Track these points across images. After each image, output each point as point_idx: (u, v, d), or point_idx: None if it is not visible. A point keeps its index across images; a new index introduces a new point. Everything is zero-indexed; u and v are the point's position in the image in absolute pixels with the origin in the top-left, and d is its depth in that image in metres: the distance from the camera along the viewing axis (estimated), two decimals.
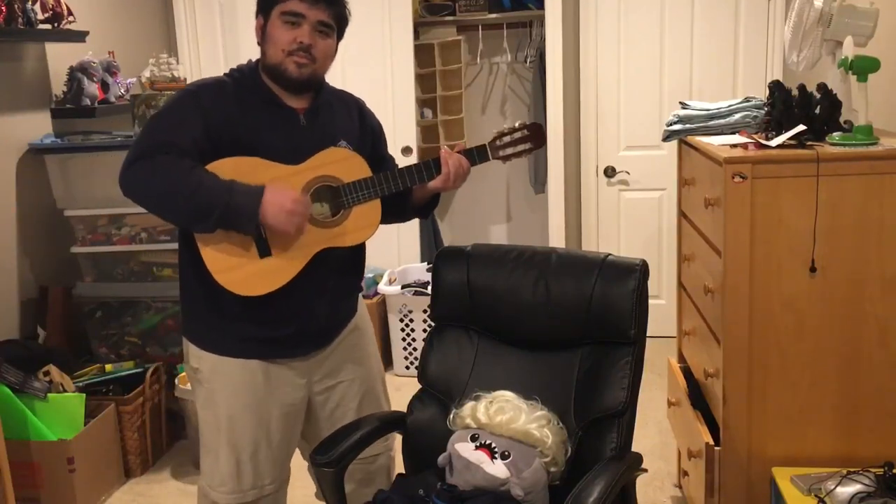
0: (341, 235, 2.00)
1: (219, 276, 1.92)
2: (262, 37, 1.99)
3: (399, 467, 2.17)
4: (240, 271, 1.93)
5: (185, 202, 1.84)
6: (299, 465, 2.21)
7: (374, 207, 2.02)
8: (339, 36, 2.05)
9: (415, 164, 2.04)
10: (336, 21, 2.00)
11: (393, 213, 2.12)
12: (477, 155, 2.07)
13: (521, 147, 2.10)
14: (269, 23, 1.96)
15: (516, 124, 2.11)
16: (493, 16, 4.88)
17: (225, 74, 2.05)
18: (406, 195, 2.10)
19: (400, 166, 2.09)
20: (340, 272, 2.10)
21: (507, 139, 2.09)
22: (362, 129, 2.15)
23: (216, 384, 2.05)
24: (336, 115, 2.10)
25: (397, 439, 2.20)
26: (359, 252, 2.15)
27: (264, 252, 1.93)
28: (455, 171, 2.03)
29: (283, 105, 2.00)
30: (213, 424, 2.07)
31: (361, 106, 2.21)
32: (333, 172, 1.99)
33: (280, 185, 1.89)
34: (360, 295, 2.26)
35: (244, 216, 1.85)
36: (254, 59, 2.05)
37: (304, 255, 1.96)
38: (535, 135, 2.10)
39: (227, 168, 1.89)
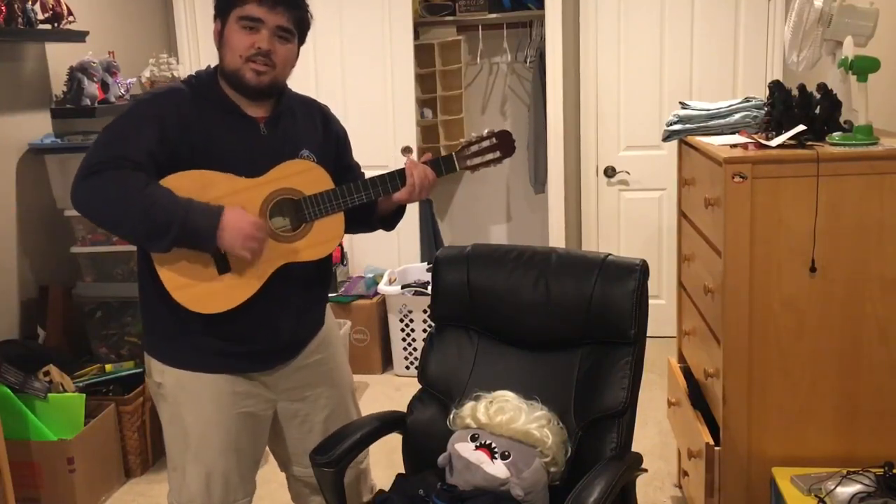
0: (303, 250, 1.93)
1: (176, 293, 1.86)
2: (220, 41, 1.91)
3: (399, 467, 2.17)
4: (198, 288, 1.86)
5: (138, 221, 1.77)
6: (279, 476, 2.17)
7: (336, 220, 1.95)
8: (301, 41, 1.97)
9: (379, 176, 1.98)
10: (297, 26, 1.92)
11: (358, 224, 2.08)
12: (444, 165, 2.01)
13: (489, 156, 2.03)
14: (226, 27, 1.89)
15: (484, 132, 2.04)
16: (493, 16, 4.88)
17: (182, 81, 1.98)
18: (371, 207, 2.04)
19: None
20: (305, 285, 2.03)
21: (474, 148, 2.02)
22: (326, 137, 2.08)
23: (181, 399, 1.99)
24: (298, 124, 2.02)
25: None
26: (324, 264, 2.07)
27: (223, 268, 1.87)
28: (420, 182, 1.96)
29: (242, 114, 1.93)
30: (180, 440, 2.02)
31: (326, 112, 2.13)
32: (294, 185, 1.91)
33: (240, 208, 1.82)
34: (327, 305, 2.20)
35: (201, 238, 1.79)
36: (212, 65, 1.98)
37: (265, 271, 1.90)
38: (504, 143, 2.03)
39: (185, 181, 1.82)
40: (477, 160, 2.04)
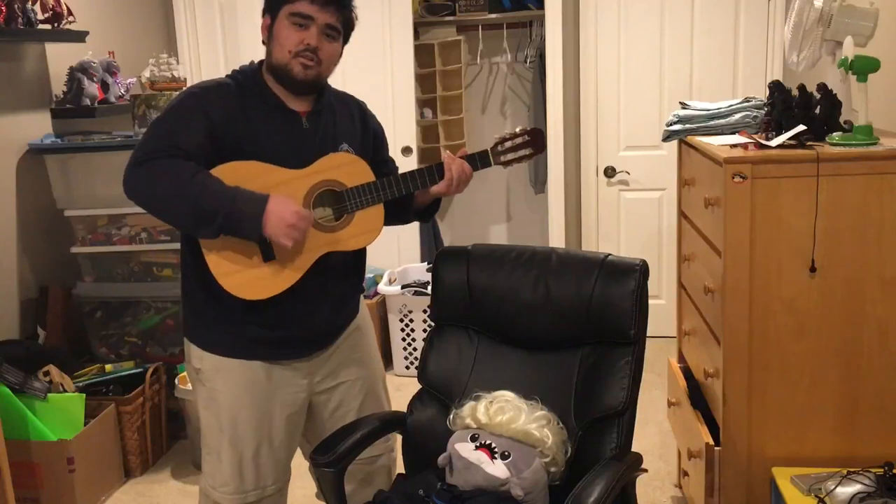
0: (344, 240, 2.00)
1: (222, 279, 1.92)
2: (269, 36, 1.98)
3: (399, 467, 2.17)
4: (243, 275, 1.93)
5: (188, 207, 1.83)
6: (300, 464, 2.21)
7: (376, 212, 2.02)
8: (345, 40, 2.04)
9: (418, 169, 2.04)
10: (343, 25, 1.99)
11: (395, 217, 2.12)
12: (479, 160, 2.08)
13: (521, 152, 2.11)
14: (276, 22, 1.94)
15: (517, 129, 2.11)
16: (493, 16, 4.88)
17: (227, 76, 2.04)
18: (408, 199, 2.10)
19: (401, 169, 2.09)
20: (343, 275, 2.10)
21: (508, 144, 2.10)
22: (364, 132, 2.15)
23: (218, 385, 2.04)
24: (338, 118, 2.09)
25: (398, 439, 2.20)
26: (360, 255, 2.15)
27: (268, 256, 1.93)
28: (458, 176, 2.04)
29: (285, 108, 1.99)
30: (215, 425, 2.07)
31: (363, 108, 2.20)
32: (337, 177, 1.98)
33: (285, 196, 1.88)
34: (362, 296, 2.27)
35: (246, 224, 1.84)
36: (255, 61, 2.05)
37: (308, 260, 1.96)
38: (536, 140, 2.11)
39: (231, 172, 1.88)
40: (510, 156, 2.11)
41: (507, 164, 2.11)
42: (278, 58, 1.95)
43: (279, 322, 2.00)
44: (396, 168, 2.21)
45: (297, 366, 2.07)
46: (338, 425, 2.12)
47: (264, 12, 1.99)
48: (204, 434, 2.12)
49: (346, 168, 2.00)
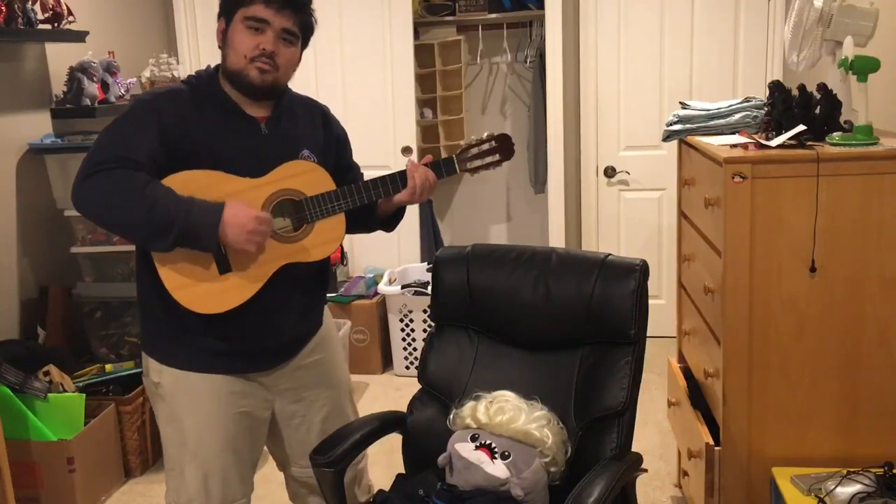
0: (304, 250, 1.94)
1: (176, 293, 1.86)
2: (224, 41, 1.91)
3: (399, 467, 2.17)
4: (198, 288, 1.86)
5: (140, 220, 1.77)
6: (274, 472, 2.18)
7: (337, 221, 1.96)
8: (304, 44, 1.98)
9: (380, 177, 1.98)
10: (301, 29, 1.93)
11: (357, 225, 2.08)
12: (444, 168, 2.02)
13: (489, 159, 2.05)
14: (231, 27, 1.88)
15: (484, 135, 2.06)
16: (493, 16, 4.88)
17: (182, 81, 1.98)
18: (371, 208, 2.05)
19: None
20: (305, 286, 2.04)
21: (474, 151, 2.04)
22: (326, 138, 2.09)
23: (179, 399, 1.99)
24: (299, 124, 2.03)
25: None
26: (323, 265, 2.08)
27: (224, 268, 1.87)
28: (421, 184, 1.98)
29: (243, 113, 1.93)
30: (178, 440, 2.01)
31: (326, 113, 2.13)
32: (296, 186, 1.92)
33: (241, 202, 1.82)
34: (326, 305, 2.21)
35: (203, 235, 1.78)
36: (212, 65, 1.98)
37: (266, 272, 1.90)
38: (503, 146, 2.05)
39: (186, 182, 1.82)
40: (477, 163, 2.05)
41: (473, 171, 2.05)
42: (234, 63, 1.89)
43: (239, 335, 1.95)
44: (361, 174, 2.15)
45: (259, 379, 2.03)
46: (301, 439, 2.10)
47: (219, 16, 1.92)
48: (166, 450, 2.06)
49: (305, 176, 1.93)
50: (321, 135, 2.08)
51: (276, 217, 1.92)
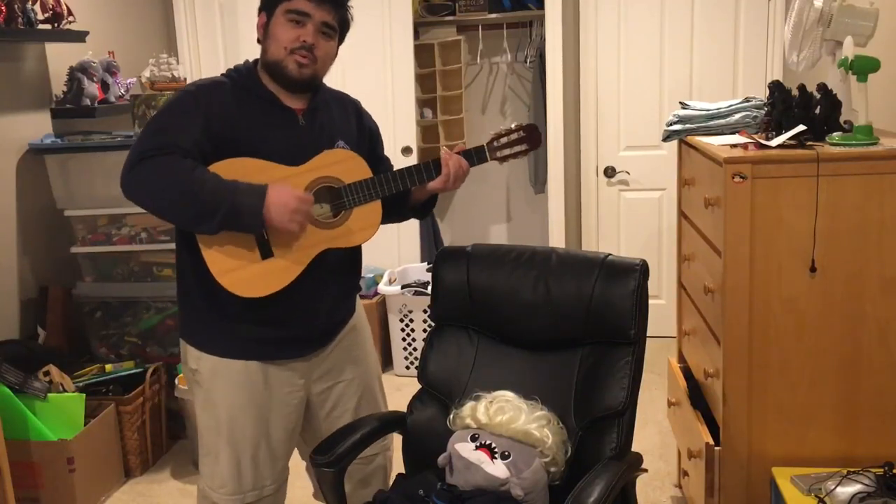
0: (343, 236, 2.00)
1: (221, 277, 1.92)
2: (265, 34, 1.98)
3: (399, 467, 2.17)
4: (242, 272, 1.92)
5: (188, 203, 1.83)
6: (298, 464, 2.21)
7: (374, 208, 2.02)
8: (341, 40, 2.05)
9: (415, 165, 2.05)
10: (339, 24, 2.00)
11: (391, 213, 2.12)
12: (476, 156, 2.09)
13: (517, 148, 2.12)
14: (272, 20, 1.96)
15: (512, 125, 2.12)
16: (493, 16, 4.88)
17: (222, 75, 2.04)
18: (405, 196, 2.11)
19: (396, 167, 2.09)
20: (340, 273, 2.10)
21: (504, 140, 2.11)
22: (360, 130, 2.15)
23: (215, 385, 2.04)
24: (334, 116, 2.10)
25: (396, 439, 2.20)
26: (356, 253, 2.15)
27: (266, 253, 1.93)
28: (455, 172, 2.04)
29: (281, 105, 2.00)
30: (213, 426, 2.07)
31: (358, 107, 2.21)
32: (334, 173, 1.99)
33: (283, 185, 1.88)
34: (358, 295, 2.27)
35: (248, 215, 1.84)
36: (251, 60, 2.05)
37: (306, 256, 1.96)
38: (531, 136, 2.12)
39: (228, 169, 1.88)
40: (506, 151, 2.12)
41: (503, 159, 2.12)
42: (274, 54, 1.95)
43: (277, 321, 2.00)
44: (392, 166, 2.21)
45: (294, 366, 2.07)
46: (334, 425, 2.12)
47: (260, 10, 2.00)
48: (201, 435, 2.11)
49: (343, 164, 2.00)
50: (355, 127, 2.14)
51: (315, 204, 1.97)
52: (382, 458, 2.25)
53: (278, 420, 2.07)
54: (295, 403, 2.09)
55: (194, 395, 2.12)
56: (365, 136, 2.16)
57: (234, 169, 1.89)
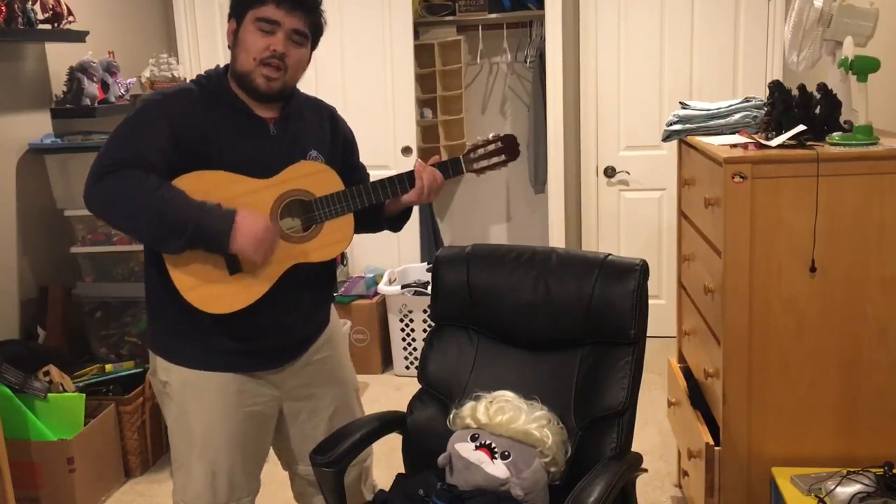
0: (314, 251, 1.95)
1: (187, 293, 1.86)
2: (234, 41, 1.91)
3: (399, 467, 2.17)
4: (209, 288, 1.87)
5: (152, 224, 1.78)
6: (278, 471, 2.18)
7: (346, 221, 1.97)
8: (314, 45, 1.98)
9: (388, 178, 1.99)
10: (311, 30, 1.93)
11: (365, 225, 2.09)
12: (451, 168, 2.04)
13: (495, 159, 2.06)
14: (241, 27, 1.89)
15: (489, 136, 2.07)
16: (493, 16, 4.88)
17: (191, 81, 1.98)
18: (379, 208, 2.06)
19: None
20: (313, 285, 2.05)
21: (480, 152, 2.06)
22: (334, 138, 2.09)
23: (187, 397, 2.00)
24: (307, 125, 2.03)
25: (375, 451, 2.18)
26: (330, 264, 2.09)
27: (234, 269, 1.88)
28: (429, 185, 1.99)
29: (252, 114, 1.93)
30: (185, 438, 2.02)
31: (333, 114, 2.14)
32: (305, 186, 1.93)
33: (253, 211, 1.83)
34: (332, 305, 2.22)
35: (214, 241, 1.80)
36: (222, 65, 1.98)
37: (276, 272, 1.91)
38: (509, 147, 2.07)
39: (196, 182, 1.83)
40: (483, 163, 2.07)
41: (479, 171, 2.07)
42: (243, 65, 1.89)
43: (249, 334, 1.96)
44: (367, 175, 2.16)
45: (267, 377, 2.03)
46: (308, 436, 2.10)
47: (230, 16, 1.92)
48: (173, 447, 2.07)
49: (314, 177, 1.94)
50: (329, 135, 2.08)
51: (286, 217, 1.93)
52: (357, 469, 2.19)
53: (252, 432, 2.03)
54: (268, 414, 2.06)
55: (164, 407, 2.06)
56: (339, 143, 2.10)
57: (202, 182, 1.83)
